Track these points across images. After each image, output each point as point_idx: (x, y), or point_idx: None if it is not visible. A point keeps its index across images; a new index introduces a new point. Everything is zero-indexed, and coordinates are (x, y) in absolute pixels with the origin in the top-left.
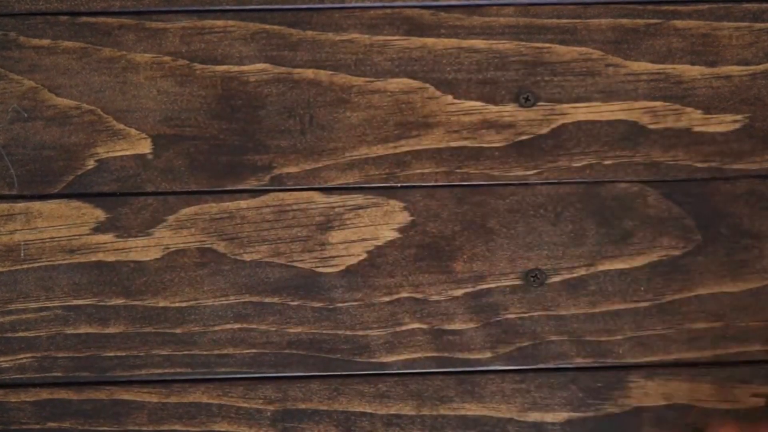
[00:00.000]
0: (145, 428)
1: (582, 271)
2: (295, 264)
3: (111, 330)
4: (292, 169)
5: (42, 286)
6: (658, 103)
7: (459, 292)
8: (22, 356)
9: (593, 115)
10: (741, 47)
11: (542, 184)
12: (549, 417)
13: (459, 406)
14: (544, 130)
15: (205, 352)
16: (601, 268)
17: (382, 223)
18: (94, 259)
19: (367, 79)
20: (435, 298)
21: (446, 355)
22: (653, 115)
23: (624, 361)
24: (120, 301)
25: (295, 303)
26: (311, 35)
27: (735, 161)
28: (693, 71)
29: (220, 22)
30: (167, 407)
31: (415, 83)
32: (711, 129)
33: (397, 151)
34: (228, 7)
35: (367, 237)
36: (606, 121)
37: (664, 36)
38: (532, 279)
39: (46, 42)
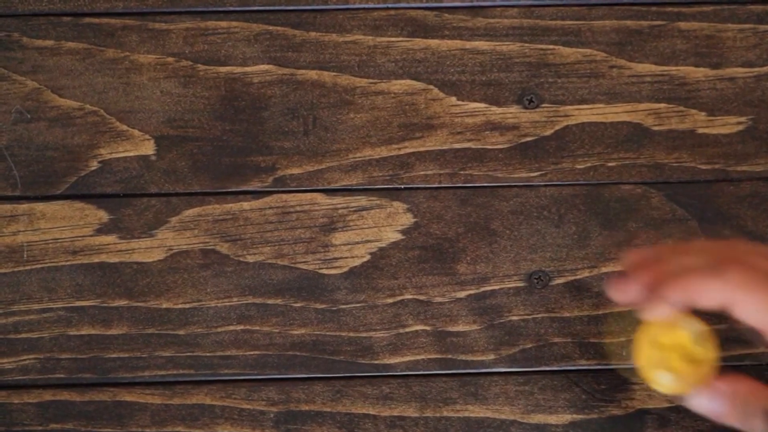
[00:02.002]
0: (147, 430)
1: (585, 273)
2: (298, 265)
3: (114, 331)
4: (296, 171)
5: (45, 288)
6: (662, 105)
7: (462, 294)
8: (24, 357)
9: (597, 117)
10: (745, 49)
11: (546, 185)
12: (552, 419)
13: (462, 407)
14: (548, 132)
15: (208, 354)
16: (604, 270)
17: (386, 225)
18: (97, 260)
19: (371, 80)
20: (438, 299)
21: (450, 356)
22: (657, 117)
23: (627, 363)
24: (123, 303)
25: (299, 304)
26: (315, 36)
27: (739, 163)
28: (697, 73)
29: (223, 23)
30: (170, 409)
31: (419, 84)
32: (715, 131)
33: (401, 152)
34: (231, 8)
35: (370, 238)
36: (610, 122)
37: (668, 38)
38: (535, 281)
39: (49, 43)
